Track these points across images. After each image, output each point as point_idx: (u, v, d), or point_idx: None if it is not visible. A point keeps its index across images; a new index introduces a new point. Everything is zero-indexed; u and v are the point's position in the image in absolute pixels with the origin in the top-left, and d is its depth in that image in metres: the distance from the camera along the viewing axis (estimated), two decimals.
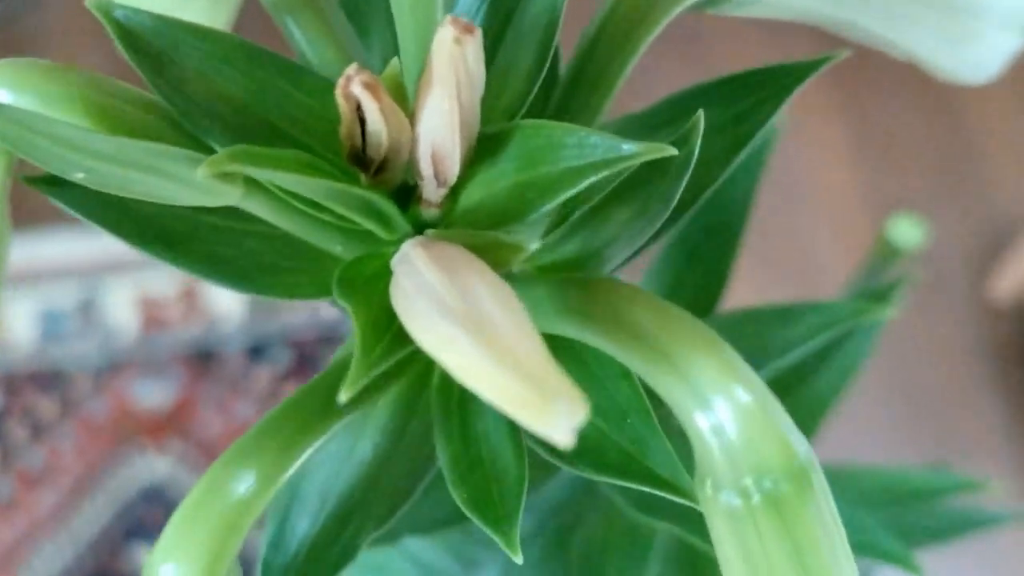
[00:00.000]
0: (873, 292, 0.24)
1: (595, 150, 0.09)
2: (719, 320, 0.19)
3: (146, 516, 1.17)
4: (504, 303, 0.08)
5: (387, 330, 0.09)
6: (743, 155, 0.12)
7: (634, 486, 0.10)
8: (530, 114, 0.11)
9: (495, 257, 0.10)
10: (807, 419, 0.24)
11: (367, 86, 0.09)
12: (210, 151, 0.10)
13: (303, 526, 0.13)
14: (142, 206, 0.11)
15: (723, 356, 0.09)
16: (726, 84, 0.13)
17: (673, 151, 0.09)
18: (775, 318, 0.17)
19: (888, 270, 0.25)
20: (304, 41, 0.12)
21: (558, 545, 0.20)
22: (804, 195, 1.23)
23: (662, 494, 0.10)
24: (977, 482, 0.20)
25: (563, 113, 0.12)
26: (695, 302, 0.19)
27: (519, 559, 0.10)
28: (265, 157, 0.09)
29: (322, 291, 0.12)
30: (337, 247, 0.11)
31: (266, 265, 0.12)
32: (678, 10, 0.11)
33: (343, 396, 0.09)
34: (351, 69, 0.09)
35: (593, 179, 0.09)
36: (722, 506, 0.09)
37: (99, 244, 1.34)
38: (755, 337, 0.17)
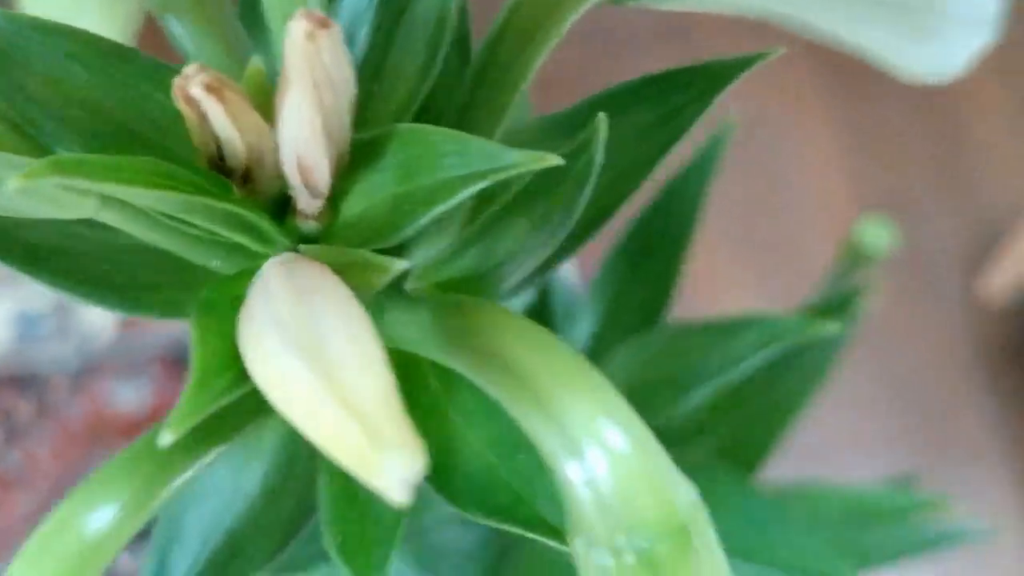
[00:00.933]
0: (837, 299, 0.23)
1: (477, 159, 0.08)
2: (666, 332, 0.18)
3: None
4: (355, 334, 0.07)
5: (232, 363, 0.08)
6: (666, 156, 0.11)
7: (521, 532, 0.09)
8: (428, 117, 0.10)
9: (364, 277, 0.09)
10: (767, 429, 0.23)
11: (209, 88, 0.08)
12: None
13: (183, 566, 0.12)
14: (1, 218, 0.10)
15: (600, 395, 0.08)
16: (652, 83, 0.12)
17: (558, 161, 0.08)
18: (722, 331, 0.16)
19: (856, 273, 0.25)
20: (188, 41, 0.11)
21: (495, 570, 0.19)
22: (795, 193, 1.22)
23: (550, 542, 0.09)
24: (936, 502, 0.19)
25: (467, 113, 0.11)
26: (641, 313, 0.18)
27: None
28: (104, 167, 0.08)
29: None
30: (214, 262, 0.10)
31: (143, 283, 0.11)
32: (586, 6, 0.10)
33: (164, 439, 0.08)
34: (189, 69, 0.08)
35: (473, 189, 0.08)
36: (593, 565, 0.08)
37: None
38: (700, 350, 0.16)
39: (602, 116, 0.09)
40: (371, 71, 0.10)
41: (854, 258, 0.24)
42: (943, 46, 0.16)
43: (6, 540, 1.24)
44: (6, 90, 0.09)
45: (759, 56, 0.11)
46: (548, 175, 0.09)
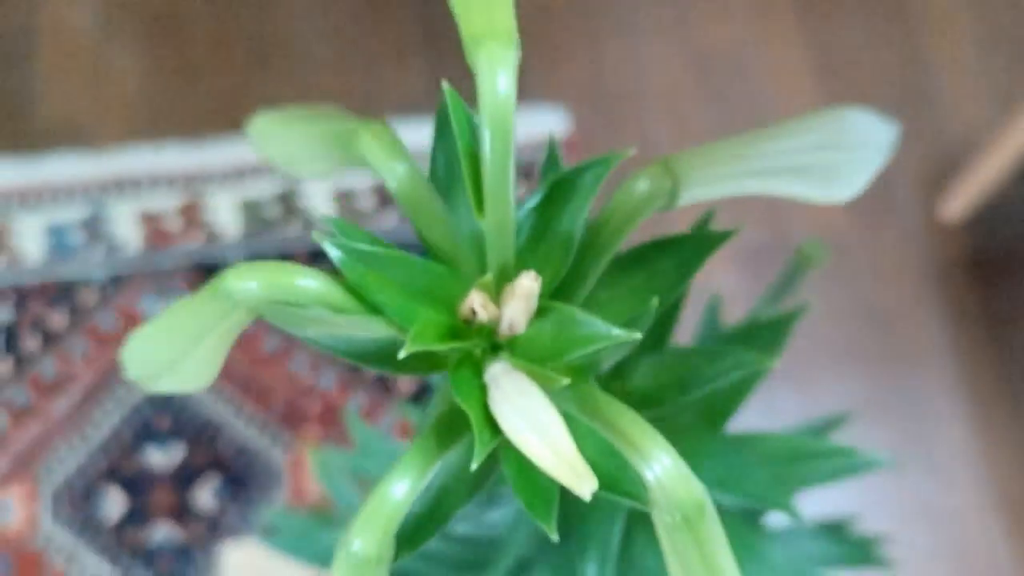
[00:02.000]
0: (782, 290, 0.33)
1: (599, 329, 0.18)
2: (672, 352, 0.27)
3: (152, 420, 1.27)
4: (553, 416, 0.17)
5: (490, 422, 0.18)
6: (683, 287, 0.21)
7: (612, 496, 0.19)
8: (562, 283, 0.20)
9: (548, 380, 0.18)
10: (733, 396, 0.33)
11: (482, 304, 0.17)
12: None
13: (415, 504, 0.22)
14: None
15: (656, 440, 0.18)
16: (668, 243, 0.21)
17: (638, 336, 0.17)
18: (708, 355, 0.25)
19: (799, 280, 0.34)
20: (425, 231, 0.20)
21: None
22: (767, 113, 1.30)
23: (638, 504, 0.19)
24: (848, 449, 0.29)
25: (578, 275, 0.20)
26: (653, 339, 0.28)
27: (554, 537, 0.18)
28: (431, 336, 0.17)
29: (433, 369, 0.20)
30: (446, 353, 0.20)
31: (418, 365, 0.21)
32: (648, 215, 0.19)
33: (474, 466, 0.17)
34: (472, 296, 0.17)
35: (600, 346, 0.18)
36: (662, 522, 0.18)
37: (102, 164, 1.39)
38: (694, 367, 0.25)
39: (655, 300, 0.18)
40: (527, 259, 0.19)
41: (799, 266, 0.33)
42: (848, 181, 0.24)
43: (47, 441, 1.35)
44: (359, 281, 0.18)
45: (729, 233, 0.21)
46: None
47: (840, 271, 1.23)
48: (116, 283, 1.29)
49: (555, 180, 0.19)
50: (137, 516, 1.20)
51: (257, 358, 1.26)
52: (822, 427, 0.40)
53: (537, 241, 0.19)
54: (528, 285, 0.17)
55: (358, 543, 0.19)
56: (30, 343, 1.28)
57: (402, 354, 0.16)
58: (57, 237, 1.31)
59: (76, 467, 1.22)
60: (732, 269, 1.24)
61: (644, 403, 0.26)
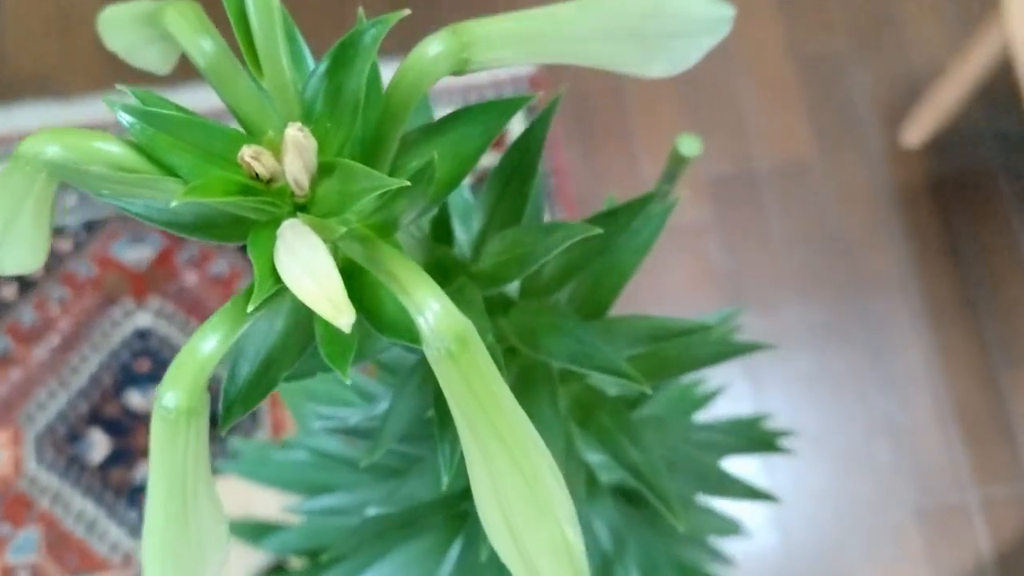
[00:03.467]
0: (660, 191, 0.34)
1: (375, 179, 0.19)
2: (521, 228, 0.28)
3: (132, 363, 1.28)
4: (323, 259, 0.18)
5: (274, 272, 0.19)
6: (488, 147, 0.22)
7: (402, 342, 0.20)
8: (355, 144, 0.21)
9: (327, 230, 0.19)
10: (609, 284, 0.34)
11: (252, 156, 0.18)
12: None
13: (245, 370, 0.23)
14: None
15: (429, 287, 0.19)
16: (480, 108, 0.22)
17: (404, 183, 0.18)
18: (544, 230, 0.26)
19: (679, 174, 0.35)
20: (232, 102, 0.21)
21: (426, 376, 0.30)
22: (733, 51, 1.29)
23: (414, 345, 0.20)
24: (707, 325, 0.30)
25: (376, 140, 0.21)
26: (509, 215, 0.29)
27: (347, 381, 0.20)
28: (213, 186, 0.18)
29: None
30: (256, 218, 0.21)
31: (222, 226, 0.22)
32: (436, 80, 0.20)
33: (250, 308, 0.18)
34: (243, 149, 0.18)
35: (375, 193, 0.18)
36: (431, 356, 0.19)
37: (73, 112, 1.39)
38: (533, 240, 0.26)
39: (435, 156, 0.19)
40: (323, 123, 0.20)
41: (676, 163, 0.34)
42: (683, 54, 0.25)
43: (27, 387, 1.37)
44: (151, 144, 0.19)
45: (526, 99, 0.21)
46: (417, 173, 0.20)
47: (803, 197, 1.24)
48: (89, 229, 1.30)
49: (340, 44, 0.19)
50: (120, 457, 1.22)
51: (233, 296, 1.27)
52: (725, 317, 0.41)
53: (331, 105, 0.20)
54: (293, 135, 0.18)
55: (169, 396, 0.20)
56: (6, 291, 1.29)
57: (174, 203, 0.17)
58: None
59: (58, 412, 1.24)
60: (698, 201, 1.25)
61: (491, 281, 0.27)
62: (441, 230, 0.28)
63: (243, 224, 0.21)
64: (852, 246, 1.23)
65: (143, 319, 1.28)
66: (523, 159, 0.28)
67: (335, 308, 0.17)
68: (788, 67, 1.32)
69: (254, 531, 0.76)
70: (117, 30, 0.25)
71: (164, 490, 0.21)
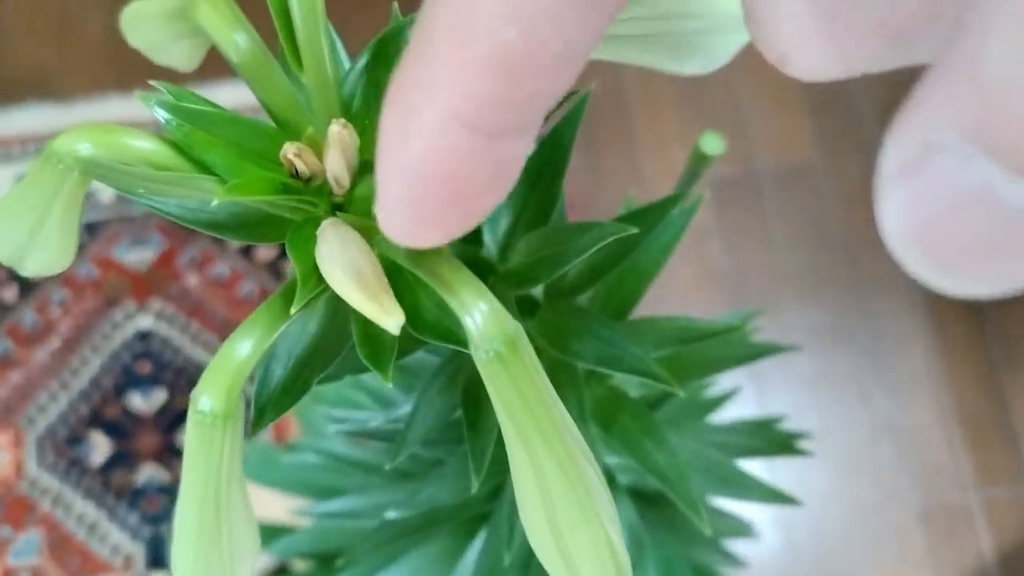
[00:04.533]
0: (680, 191, 0.34)
1: None
2: (551, 228, 0.28)
3: (133, 366, 1.28)
4: (367, 256, 0.18)
5: (315, 273, 0.18)
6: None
7: (452, 345, 0.20)
8: None
9: (369, 229, 0.19)
10: (633, 285, 0.34)
11: (296, 153, 0.18)
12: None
13: (278, 373, 0.22)
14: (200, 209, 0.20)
15: (476, 288, 0.18)
16: None
17: None
18: (577, 229, 0.26)
19: (701, 173, 0.34)
20: (261, 92, 0.20)
21: (451, 378, 0.30)
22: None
23: (463, 349, 0.20)
24: (736, 326, 0.30)
25: None
26: (537, 215, 0.29)
27: (389, 384, 0.19)
28: (250, 187, 0.18)
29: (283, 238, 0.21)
30: (295, 218, 0.21)
31: (257, 225, 0.21)
32: None
33: (293, 310, 0.18)
34: (287, 147, 0.18)
35: None
36: (479, 359, 0.18)
37: (71, 114, 1.39)
38: (565, 240, 0.26)
39: None
40: (362, 120, 0.20)
41: (698, 161, 0.34)
42: (715, 52, 0.25)
43: (28, 390, 1.37)
44: (187, 141, 0.19)
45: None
46: None
47: (804, 199, 1.24)
48: (90, 231, 1.29)
49: (380, 39, 0.19)
50: (122, 459, 1.21)
51: (234, 301, 1.26)
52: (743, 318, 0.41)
53: (369, 101, 0.20)
54: (337, 131, 0.17)
55: (204, 400, 0.20)
56: (6, 293, 1.28)
57: (215, 202, 0.17)
58: None
59: (58, 414, 1.24)
60: (703, 203, 1.25)
61: (521, 281, 0.27)
62: (471, 230, 0.27)
63: (278, 224, 0.21)
64: (854, 247, 1.23)
65: (144, 321, 1.27)
66: (552, 156, 0.28)
67: (382, 309, 0.16)
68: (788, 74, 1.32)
69: (261, 533, 0.75)
70: (142, 25, 0.24)
71: (198, 496, 0.21)
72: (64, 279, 1.27)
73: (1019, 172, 0.08)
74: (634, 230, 0.24)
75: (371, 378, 0.52)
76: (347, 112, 0.20)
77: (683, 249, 1.24)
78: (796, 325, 1.19)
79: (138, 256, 1.28)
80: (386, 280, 0.17)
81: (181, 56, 0.24)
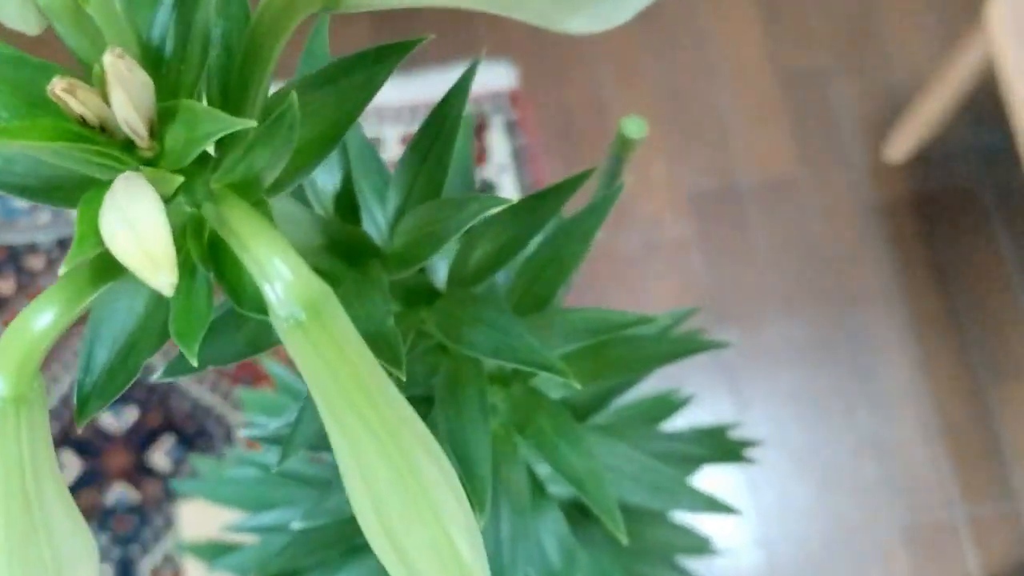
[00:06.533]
0: (606, 178, 0.31)
1: (221, 120, 0.16)
2: (433, 204, 0.26)
3: None
4: (150, 208, 0.15)
5: (96, 231, 0.16)
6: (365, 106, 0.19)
7: (255, 314, 0.17)
8: (212, 87, 0.18)
9: (165, 181, 0.16)
10: (550, 276, 0.31)
11: (66, 87, 0.15)
12: None
13: (102, 356, 0.20)
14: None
15: (277, 245, 0.16)
16: (363, 56, 0.19)
17: (251, 123, 0.15)
18: (457, 203, 0.23)
19: (626, 158, 0.32)
20: (69, 39, 0.18)
21: None
22: (718, 69, 1.28)
23: (261, 316, 0.17)
24: (650, 317, 0.28)
25: (240, 84, 0.18)
26: (426, 191, 0.26)
27: (194, 362, 0.17)
28: (30, 130, 0.16)
29: None
30: (97, 175, 0.18)
31: (57, 187, 0.19)
32: (308, 13, 0.17)
33: (62, 270, 0.15)
34: (54, 81, 0.16)
35: (215, 137, 0.16)
36: (279, 328, 0.16)
37: None
38: (446, 216, 0.24)
39: (294, 95, 0.17)
40: (176, 64, 0.18)
41: (622, 146, 0.31)
42: (613, 9, 0.22)
43: None
44: None
45: (414, 42, 0.19)
46: (273, 122, 0.17)
47: (786, 213, 1.22)
48: (63, 247, 1.27)
49: None
50: (91, 478, 1.19)
51: None
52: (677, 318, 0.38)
53: (181, 42, 0.17)
54: (111, 62, 0.15)
55: None
56: None
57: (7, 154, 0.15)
58: (1, 203, 1.29)
59: None
60: (682, 216, 1.23)
61: (403, 262, 0.25)
62: (347, 208, 0.25)
63: (92, 188, 0.19)
64: (836, 261, 1.21)
65: None
66: (442, 128, 0.25)
67: (153, 264, 0.14)
68: (771, 82, 1.31)
69: (210, 551, 0.72)
70: None
71: (0, 492, 0.19)
72: (34, 295, 1.24)
73: None
74: (512, 201, 0.22)
75: (301, 383, 0.49)
76: (158, 55, 0.17)
77: (664, 262, 1.21)
78: (777, 339, 1.16)
79: None
80: (167, 235, 0.15)
81: (17, 15, 0.22)
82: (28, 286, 1.25)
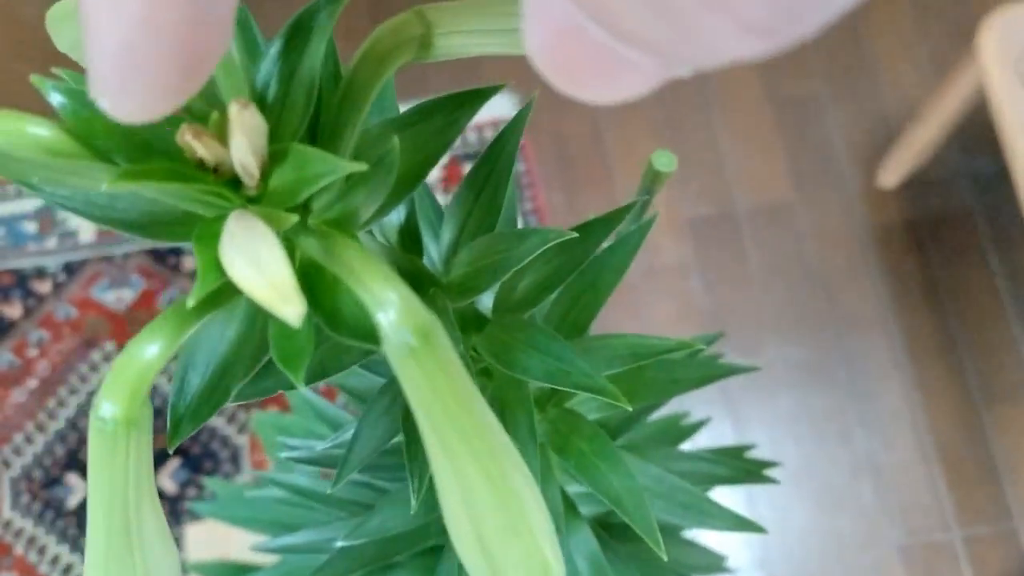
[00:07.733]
0: (637, 208, 0.33)
1: (330, 163, 0.17)
2: (492, 236, 0.27)
3: None
4: (269, 244, 0.16)
5: (218, 266, 0.17)
6: (452, 145, 0.20)
7: (367, 345, 0.18)
8: (310, 130, 0.19)
9: (277, 220, 0.18)
10: (588, 302, 0.33)
11: (194, 134, 0.17)
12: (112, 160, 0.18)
13: (195, 381, 0.21)
14: (99, 202, 0.19)
15: (390, 281, 0.17)
16: (444, 101, 0.21)
17: (363, 167, 0.17)
18: (517, 236, 0.25)
19: (656, 190, 0.34)
20: None
21: (394, 398, 0.29)
22: (713, 96, 1.30)
23: (371, 346, 0.18)
24: (688, 344, 0.29)
25: (336, 126, 0.19)
26: (481, 225, 0.28)
27: (302, 387, 0.18)
28: (151, 173, 0.17)
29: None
30: (202, 212, 0.19)
31: (164, 222, 0.20)
32: (400, 63, 0.19)
33: (190, 303, 0.17)
34: (182, 128, 0.17)
35: (333, 178, 0.17)
36: (392, 355, 0.17)
37: None
38: (505, 248, 0.25)
39: (395, 140, 0.18)
40: (278, 109, 0.19)
41: (652, 178, 0.33)
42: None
43: (4, 431, 1.34)
44: (85, 128, 0.18)
45: (498, 87, 0.20)
46: (376, 163, 0.18)
47: (781, 238, 1.24)
48: (69, 272, 1.28)
49: (292, 24, 0.18)
50: None
51: None
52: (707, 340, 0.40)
53: (285, 89, 0.19)
54: (237, 111, 0.16)
55: (106, 406, 0.18)
56: None
57: (104, 187, 0.16)
58: (9, 227, 1.29)
59: (34, 456, 1.21)
60: (679, 241, 1.25)
61: (462, 291, 0.26)
62: (409, 239, 0.26)
63: (195, 222, 0.20)
64: (831, 286, 1.23)
65: None
66: (496, 166, 0.27)
67: (280, 297, 0.15)
68: (765, 109, 1.33)
69: (228, 573, 0.73)
70: (67, 25, 0.23)
71: (104, 510, 0.20)
72: (42, 319, 1.25)
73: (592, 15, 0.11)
74: (573, 235, 0.24)
75: (334, 409, 0.50)
76: (261, 100, 0.19)
77: (662, 287, 1.23)
78: (774, 362, 1.18)
79: (117, 296, 1.26)
80: (291, 272, 0.16)
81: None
82: (35, 310, 1.26)
